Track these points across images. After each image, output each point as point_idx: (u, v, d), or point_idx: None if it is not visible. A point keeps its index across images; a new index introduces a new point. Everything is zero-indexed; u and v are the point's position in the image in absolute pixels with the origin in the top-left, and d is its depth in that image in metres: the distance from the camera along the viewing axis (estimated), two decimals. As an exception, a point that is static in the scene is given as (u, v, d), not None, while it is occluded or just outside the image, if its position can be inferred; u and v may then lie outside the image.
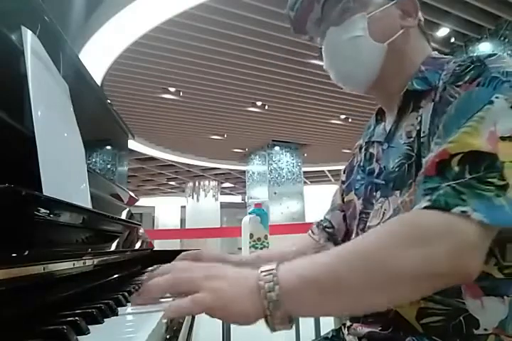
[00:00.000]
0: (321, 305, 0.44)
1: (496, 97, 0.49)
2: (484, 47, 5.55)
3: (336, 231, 0.83)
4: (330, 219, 0.86)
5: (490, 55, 0.55)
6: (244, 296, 0.42)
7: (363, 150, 0.76)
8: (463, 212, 0.43)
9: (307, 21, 0.72)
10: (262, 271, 0.44)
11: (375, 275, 0.43)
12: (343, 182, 0.83)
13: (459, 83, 0.54)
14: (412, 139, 0.61)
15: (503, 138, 0.46)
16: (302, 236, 0.91)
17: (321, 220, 0.89)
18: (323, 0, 0.68)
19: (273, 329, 0.43)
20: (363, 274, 0.43)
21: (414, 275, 0.42)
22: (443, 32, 5.56)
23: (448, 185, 0.46)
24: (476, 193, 0.44)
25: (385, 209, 0.64)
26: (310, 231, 0.90)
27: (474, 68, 0.54)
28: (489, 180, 0.44)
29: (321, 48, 0.71)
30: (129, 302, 0.52)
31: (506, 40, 5.27)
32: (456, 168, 0.46)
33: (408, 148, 0.61)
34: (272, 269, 0.44)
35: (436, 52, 0.68)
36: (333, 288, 0.43)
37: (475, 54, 0.59)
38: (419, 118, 0.60)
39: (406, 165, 0.60)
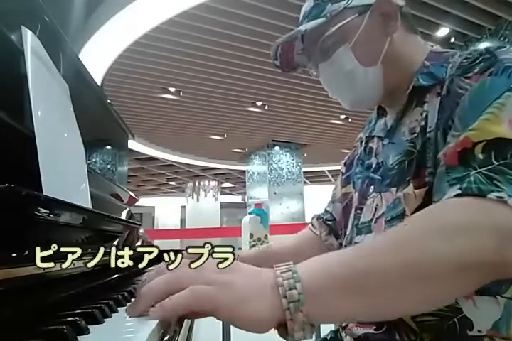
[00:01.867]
0: (348, 307, 0.37)
1: None
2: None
3: (337, 225, 0.83)
4: (331, 211, 0.86)
5: (499, 47, 0.55)
6: (260, 294, 0.36)
7: (363, 143, 0.75)
8: (499, 197, 0.40)
9: (294, 57, 0.70)
10: (277, 267, 0.38)
11: (416, 269, 0.37)
12: (342, 174, 0.83)
13: (469, 74, 0.53)
14: (415, 135, 0.59)
15: None
16: (302, 231, 0.91)
17: (322, 213, 0.89)
18: (301, 35, 0.65)
19: (292, 338, 0.35)
20: (399, 269, 0.37)
21: (462, 264, 0.37)
22: (443, 32, 5.55)
23: (477, 172, 0.43)
24: (509, 179, 0.41)
25: (376, 205, 0.63)
26: (310, 225, 0.90)
27: (484, 60, 0.53)
28: None
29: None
30: (129, 302, 0.51)
31: (506, 40, 5.27)
32: (481, 156, 0.44)
33: (410, 144, 0.59)
34: (289, 264, 0.38)
35: (438, 47, 0.67)
36: (364, 285, 0.37)
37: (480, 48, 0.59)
38: (424, 114, 0.58)
39: (406, 162, 0.59)
